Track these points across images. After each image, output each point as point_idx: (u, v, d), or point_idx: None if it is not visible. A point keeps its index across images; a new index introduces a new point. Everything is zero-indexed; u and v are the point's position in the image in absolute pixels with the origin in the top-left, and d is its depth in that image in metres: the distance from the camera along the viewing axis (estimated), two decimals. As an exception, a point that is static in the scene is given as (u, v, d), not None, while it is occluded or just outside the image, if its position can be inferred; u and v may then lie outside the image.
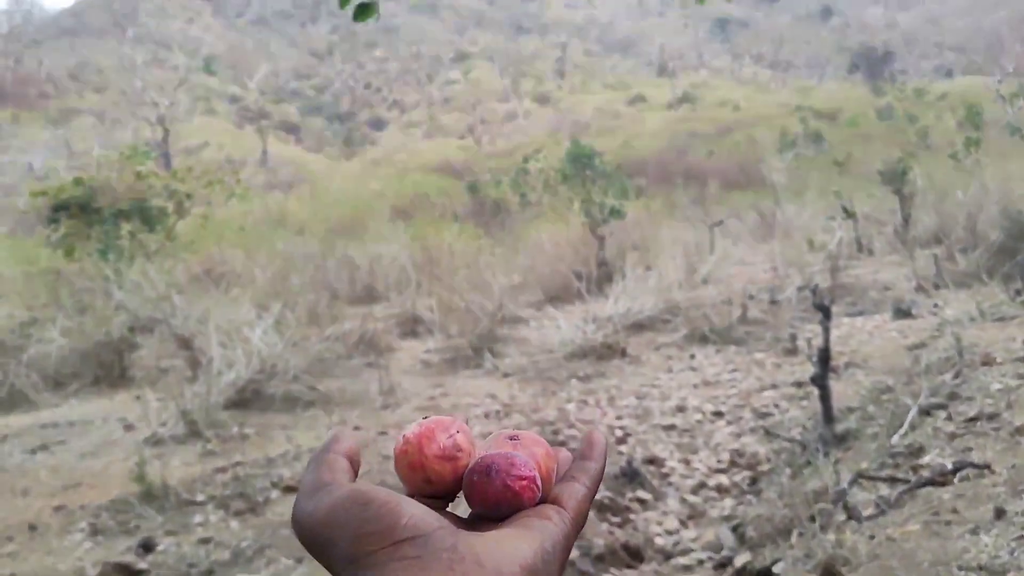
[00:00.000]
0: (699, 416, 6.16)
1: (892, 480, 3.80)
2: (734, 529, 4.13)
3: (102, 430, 6.74)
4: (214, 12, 70.80)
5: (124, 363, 8.65)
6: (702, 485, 4.79)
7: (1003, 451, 3.75)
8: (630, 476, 4.72)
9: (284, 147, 43.30)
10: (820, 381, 4.74)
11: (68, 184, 11.46)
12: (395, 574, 0.42)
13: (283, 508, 4.90)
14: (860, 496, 3.78)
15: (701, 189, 23.76)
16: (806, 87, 52.57)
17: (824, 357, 4.75)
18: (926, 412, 4.62)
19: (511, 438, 0.54)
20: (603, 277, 12.49)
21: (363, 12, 3.31)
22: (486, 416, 6.65)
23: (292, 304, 9.46)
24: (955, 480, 3.58)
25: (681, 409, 6.38)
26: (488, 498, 0.48)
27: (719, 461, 5.13)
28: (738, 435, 5.61)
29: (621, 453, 5.33)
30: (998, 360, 5.32)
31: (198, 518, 4.79)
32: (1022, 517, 3.00)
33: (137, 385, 8.19)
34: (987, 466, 3.56)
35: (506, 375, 8.19)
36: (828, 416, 4.80)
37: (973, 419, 4.26)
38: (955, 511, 3.26)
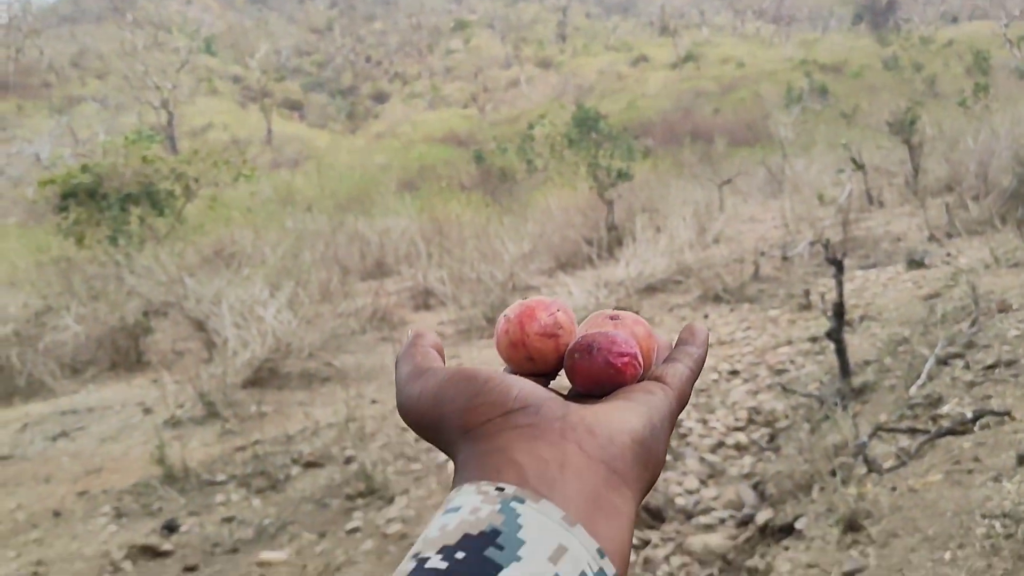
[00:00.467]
0: (715, 375, 6.14)
1: (912, 431, 3.78)
2: (754, 486, 4.13)
3: (121, 415, 6.79)
4: (211, -8, 70.30)
5: (140, 347, 8.71)
6: (720, 444, 4.78)
7: (1023, 397, 3.72)
8: (648, 437, 4.71)
9: (288, 124, 43.20)
10: (835, 335, 4.71)
11: (75, 170, 11.45)
12: (509, 442, 0.43)
13: (304, 484, 4.94)
14: (880, 449, 3.76)
15: (708, 148, 23.61)
16: (810, 40, 51.95)
17: (838, 311, 4.71)
18: (943, 362, 4.59)
19: (612, 318, 0.53)
20: (613, 241, 12.44)
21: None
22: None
23: (304, 282, 9.47)
24: (975, 428, 3.56)
25: (697, 369, 6.35)
26: (590, 375, 0.48)
27: (736, 419, 5.12)
28: (755, 393, 5.59)
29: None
30: (1014, 307, 5.28)
31: (220, 497, 4.83)
32: (1045, 463, 2.98)
33: (153, 369, 8.24)
34: (1007, 413, 3.54)
35: (521, 343, 8.18)
36: (845, 370, 4.77)
37: (991, 367, 4.23)
38: (976, 459, 3.25)
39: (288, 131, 40.43)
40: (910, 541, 2.84)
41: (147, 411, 6.74)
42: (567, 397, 0.50)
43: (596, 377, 0.48)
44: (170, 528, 4.43)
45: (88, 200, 11.08)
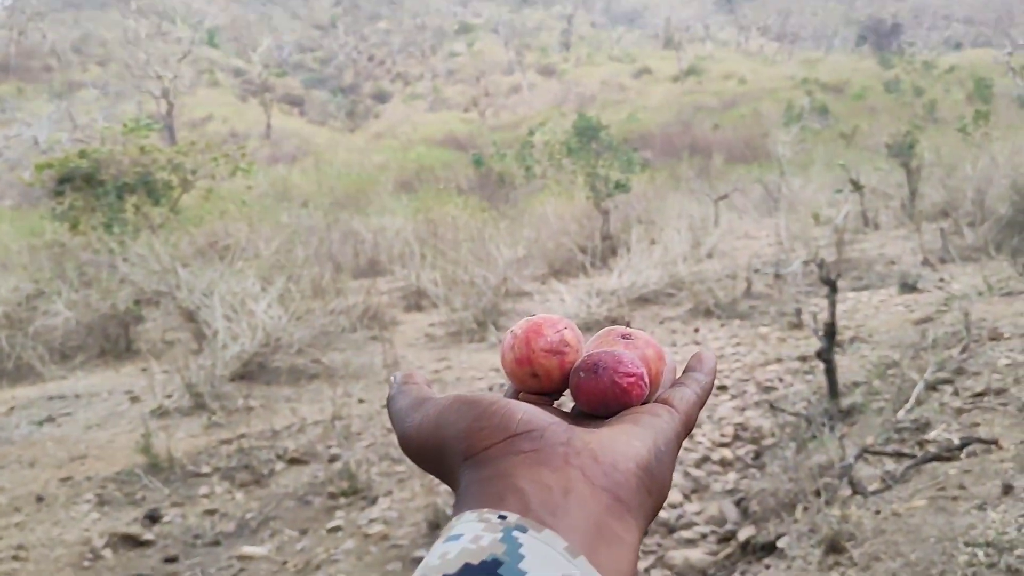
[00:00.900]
0: (703, 390, 6.14)
1: (898, 455, 3.80)
2: (737, 503, 4.13)
3: (108, 402, 6.77)
4: (217, -17, 70.27)
5: (130, 336, 8.68)
6: (705, 459, 4.79)
7: (1011, 426, 3.74)
8: (634, 449, 4.71)
9: (288, 120, 43.17)
10: (825, 355, 4.72)
11: (73, 155, 11.42)
12: (512, 468, 0.42)
13: (287, 480, 4.93)
14: (865, 471, 3.77)
15: (706, 162, 23.67)
16: (813, 59, 52.16)
17: (830, 331, 4.73)
18: (932, 387, 4.61)
19: (623, 336, 0.52)
20: (608, 251, 12.45)
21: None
22: (490, 389, 6.65)
23: (296, 277, 9.45)
24: (962, 455, 3.57)
25: (686, 383, 6.36)
26: (595, 395, 0.48)
27: (723, 435, 5.13)
28: (742, 409, 5.60)
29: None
30: (1005, 335, 5.30)
31: (203, 490, 4.82)
32: (1029, 493, 2.99)
33: (143, 358, 8.21)
34: (994, 441, 3.55)
35: (510, 348, 8.18)
36: (833, 390, 4.79)
37: (980, 394, 4.25)
38: (962, 487, 3.26)
39: (288, 126, 40.41)
40: (892, 565, 2.85)
41: (134, 400, 6.72)
42: (571, 417, 0.50)
43: (601, 397, 0.48)
44: (152, 518, 4.42)
45: (85, 186, 11.04)
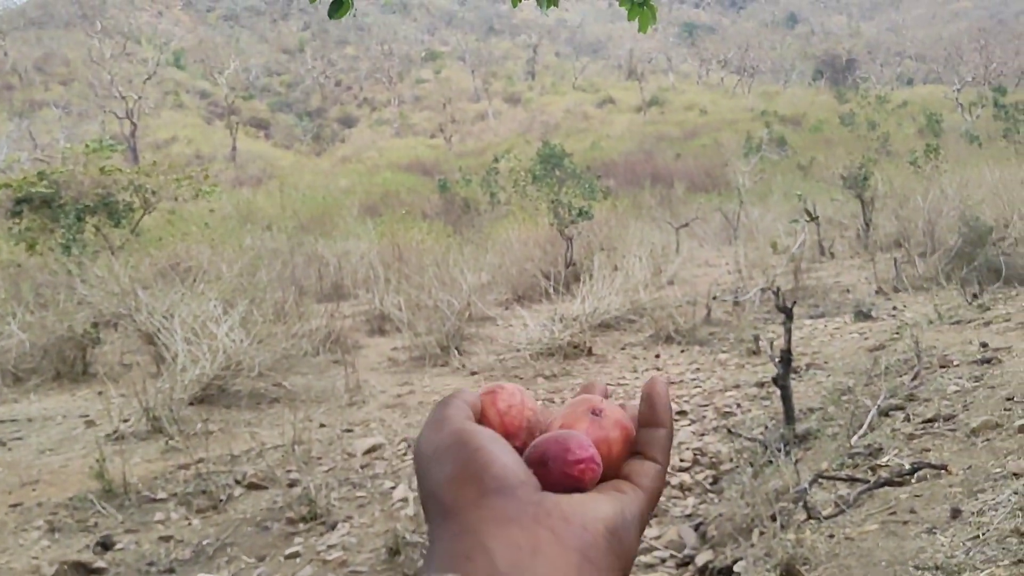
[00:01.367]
0: (663, 416, 6.21)
1: (851, 480, 3.86)
2: (696, 528, 4.17)
3: (62, 426, 6.65)
4: (184, 6, 70.05)
5: (86, 358, 8.54)
6: (665, 484, 4.82)
7: (959, 452, 3.82)
8: (594, 475, 4.74)
9: (254, 143, 42.99)
10: (782, 382, 4.80)
11: (32, 177, 11.27)
12: (481, 524, 0.42)
13: (246, 505, 4.87)
14: (820, 496, 3.83)
15: (668, 191, 23.98)
16: (771, 92, 53.22)
17: (786, 358, 4.81)
18: (885, 413, 4.71)
19: (593, 411, 0.51)
20: (570, 277, 12.53)
21: (337, 8, 3.33)
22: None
23: (259, 300, 9.38)
24: (912, 480, 3.64)
25: (646, 408, 6.42)
26: (550, 486, 0.47)
27: (682, 460, 5.18)
28: (701, 434, 5.66)
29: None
30: (955, 362, 5.43)
31: (159, 516, 4.75)
32: (977, 518, 3.05)
33: (99, 381, 8.08)
34: (944, 467, 3.63)
35: (473, 373, 8.20)
36: (789, 416, 4.86)
37: (930, 420, 4.34)
38: (912, 511, 3.32)
39: (253, 149, 40.23)
40: (845, 588, 2.89)
41: (90, 424, 6.61)
42: None
43: (556, 488, 0.46)
44: (105, 545, 4.34)
45: (43, 207, 10.90)
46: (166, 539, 4.43)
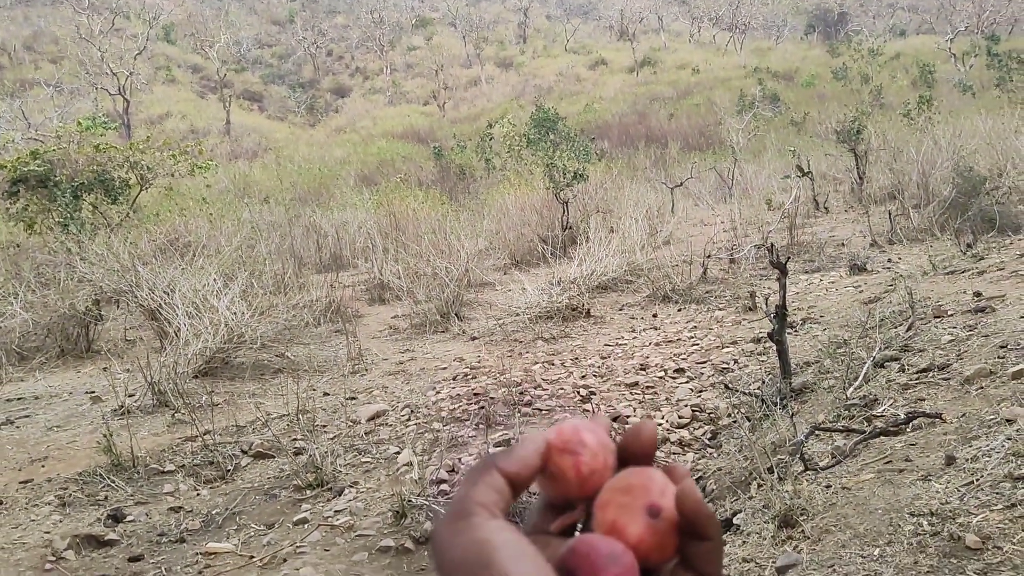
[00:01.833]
0: (661, 373, 6.28)
1: (847, 431, 3.92)
2: (696, 482, 4.23)
3: (68, 403, 6.71)
4: (169, -22, 69.07)
5: (90, 336, 8.59)
6: (664, 440, 4.90)
7: (953, 400, 3.87)
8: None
9: (247, 116, 42.74)
10: (777, 336, 4.85)
11: (26, 156, 11.24)
12: None
13: (252, 475, 4.95)
14: (817, 447, 3.89)
15: (662, 151, 23.93)
16: (763, 48, 52.77)
17: (781, 313, 4.86)
18: (880, 364, 4.76)
19: (650, 511, 0.44)
20: (567, 240, 12.57)
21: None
22: (454, 379, 6.72)
23: (259, 273, 9.43)
24: (908, 430, 3.70)
25: (644, 367, 6.50)
26: None
27: (681, 416, 5.25)
28: (699, 391, 5.73)
29: (586, 411, 5.44)
30: (949, 312, 5.47)
31: (168, 487, 4.82)
32: (972, 464, 3.09)
33: (103, 357, 8.15)
34: (938, 415, 3.68)
35: (473, 338, 8.26)
36: (785, 370, 4.92)
37: (925, 370, 4.39)
38: (907, 459, 3.37)
39: (247, 122, 39.99)
40: (841, 537, 2.94)
41: (96, 399, 6.67)
42: None
43: None
44: (115, 518, 4.41)
45: (39, 187, 10.89)
46: (176, 510, 4.50)
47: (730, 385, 5.37)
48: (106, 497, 4.73)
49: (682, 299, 8.81)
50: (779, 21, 62.68)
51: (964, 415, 3.65)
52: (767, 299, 6.65)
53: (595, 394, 5.91)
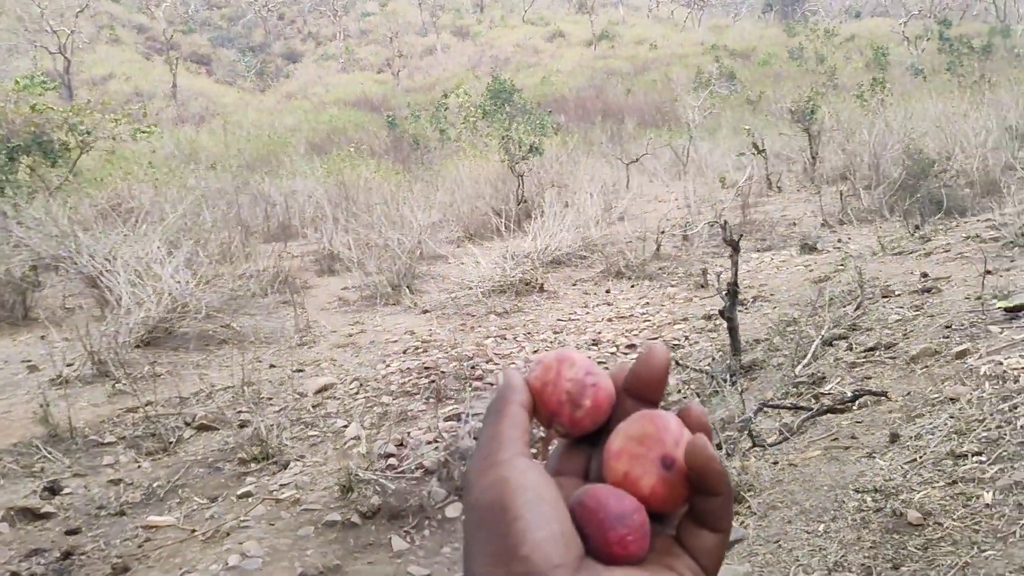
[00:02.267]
0: (613, 349, 6.29)
1: (795, 408, 3.96)
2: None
3: (3, 371, 6.50)
4: (114, -66, 66.89)
5: (27, 303, 8.31)
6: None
7: (899, 379, 3.93)
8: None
9: (195, 79, 41.66)
10: (728, 314, 4.87)
11: (-42, 115, 10.82)
12: None
13: (196, 447, 4.84)
14: (765, 424, 3.93)
15: (618, 126, 23.92)
16: (721, 26, 52.95)
17: (733, 291, 4.88)
18: (828, 343, 4.82)
19: (664, 462, 0.42)
20: (522, 214, 12.51)
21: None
22: (404, 352, 6.65)
23: (204, 241, 9.21)
24: (854, 407, 3.75)
25: (596, 343, 6.50)
26: (594, 555, 0.41)
27: (632, 392, 5.25)
28: (651, 368, 5.74)
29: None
30: (896, 292, 5.56)
31: (108, 459, 4.70)
32: (915, 441, 3.15)
33: (41, 325, 7.89)
34: (884, 393, 3.73)
35: (425, 311, 8.19)
36: (736, 348, 4.95)
37: (872, 349, 4.45)
38: (853, 437, 3.42)
39: (194, 86, 39.01)
40: (787, 513, 2.98)
41: (32, 368, 6.47)
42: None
43: (600, 558, 0.40)
44: (52, 490, 4.28)
45: (-28, 147, 10.50)
46: (115, 482, 4.39)
47: (680, 362, 5.39)
48: (42, 469, 4.60)
49: (635, 275, 8.83)
50: (737, -1, 63.00)
51: (909, 393, 3.71)
52: (719, 276, 6.69)
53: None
